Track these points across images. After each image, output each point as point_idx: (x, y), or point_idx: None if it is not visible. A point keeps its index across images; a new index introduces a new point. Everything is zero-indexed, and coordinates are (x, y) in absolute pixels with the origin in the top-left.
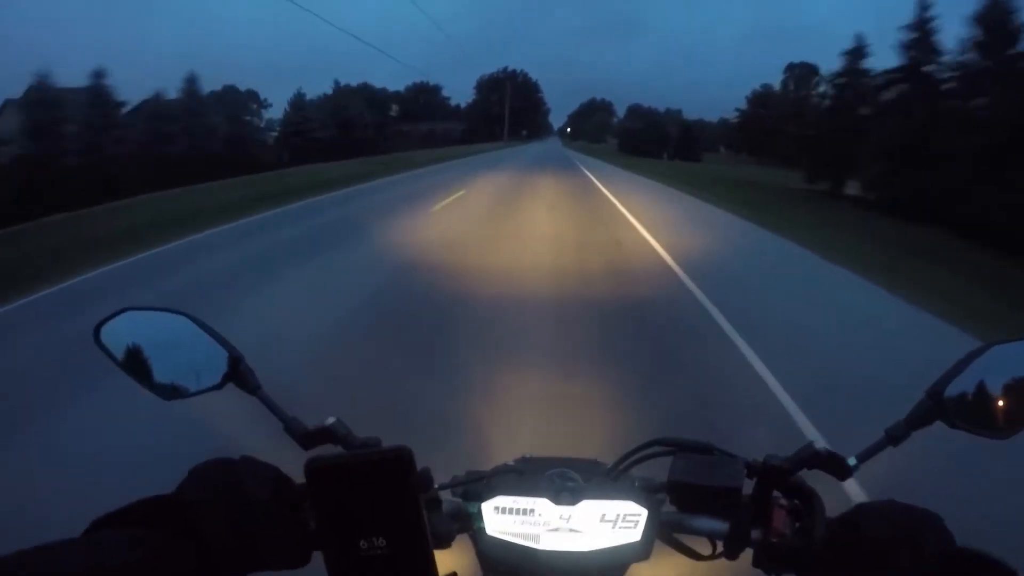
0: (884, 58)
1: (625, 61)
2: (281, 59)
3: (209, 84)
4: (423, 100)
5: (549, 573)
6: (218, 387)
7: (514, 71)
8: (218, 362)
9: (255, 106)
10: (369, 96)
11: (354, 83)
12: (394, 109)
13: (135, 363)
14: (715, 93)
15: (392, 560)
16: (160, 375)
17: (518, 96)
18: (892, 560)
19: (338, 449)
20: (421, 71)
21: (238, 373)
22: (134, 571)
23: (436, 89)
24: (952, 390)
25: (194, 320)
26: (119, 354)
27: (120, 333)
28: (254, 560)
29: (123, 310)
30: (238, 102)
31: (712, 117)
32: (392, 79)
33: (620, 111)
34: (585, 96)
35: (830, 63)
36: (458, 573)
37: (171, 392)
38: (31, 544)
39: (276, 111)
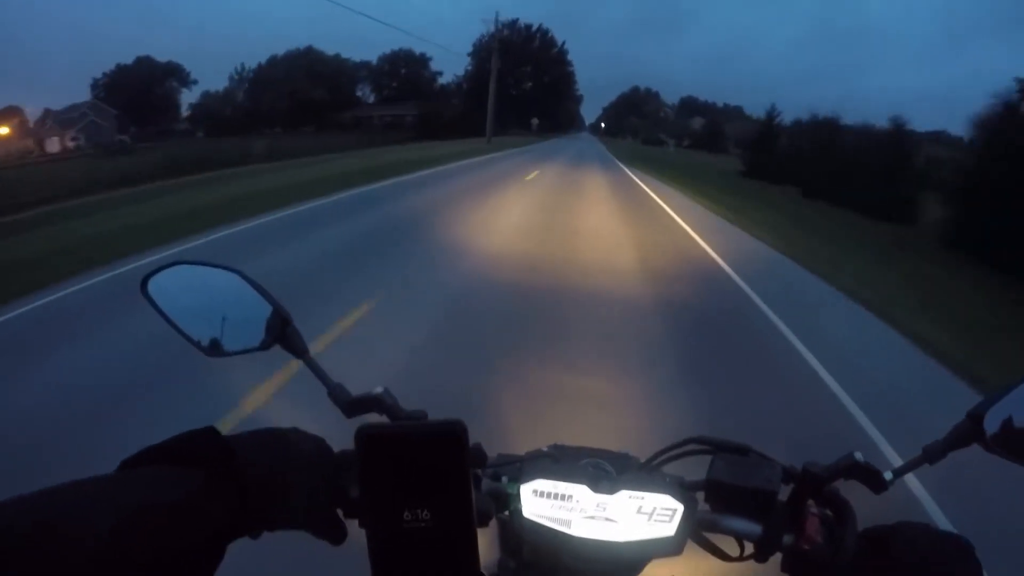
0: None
1: (667, 57)
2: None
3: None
4: (406, 73)
5: (577, 559)
6: (264, 347)
7: (526, 25)
8: (266, 322)
9: (174, 83)
10: (313, 65)
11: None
12: (363, 90)
13: (182, 317)
14: (770, 92)
15: (436, 534)
16: (206, 331)
17: (536, 68)
18: None
19: (383, 419)
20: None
21: (285, 335)
22: (171, 510)
23: (422, 61)
24: (993, 414)
25: (245, 278)
26: (166, 307)
27: (169, 286)
28: (289, 517)
29: (175, 263)
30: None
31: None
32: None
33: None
34: (622, 88)
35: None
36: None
37: (215, 349)
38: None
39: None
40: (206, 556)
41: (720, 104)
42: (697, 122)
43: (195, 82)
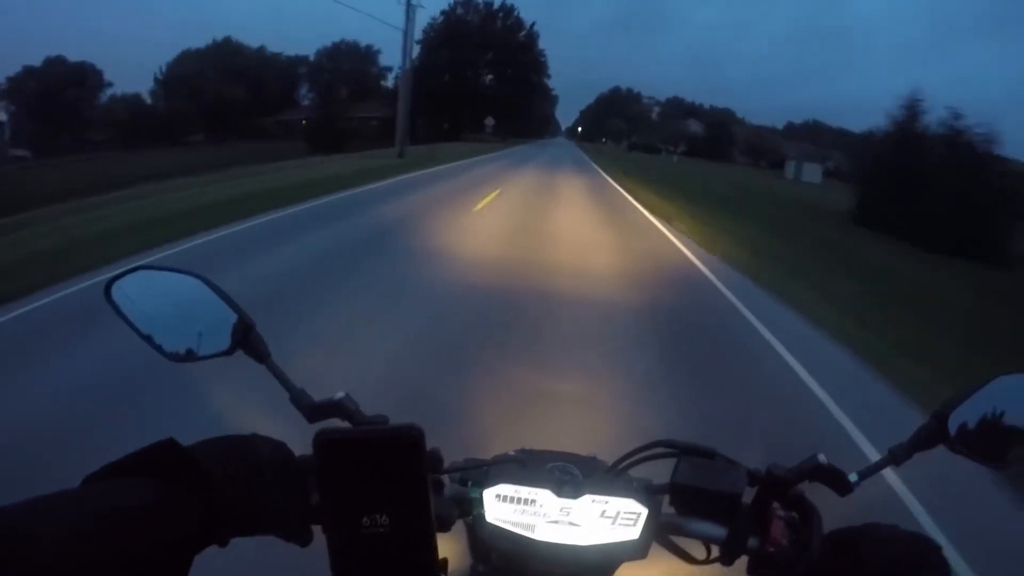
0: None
1: (645, 60)
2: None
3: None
4: (348, 70)
5: (544, 564)
6: (227, 353)
7: (486, 2)
8: (229, 327)
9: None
10: (231, 59)
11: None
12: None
13: (145, 323)
14: (757, 95)
15: (394, 539)
16: (170, 337)
17: (499, 56)
18: None
19: (345, 424)
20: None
21: (248, 340)
22: (134, 519)
23: (368, 54)
24: (958, 415)
25: (208, 283)
26: (129, 312)
27: (132, 291)
28: (253, 522)
29: (136, 268)
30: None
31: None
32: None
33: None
34: (599, 90)
35: (874, 65)
36: (449, 559)
37: (179, 355)
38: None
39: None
40: (170, 567)
41: (707, 106)
42: (693, 125)
43: (109, 85)
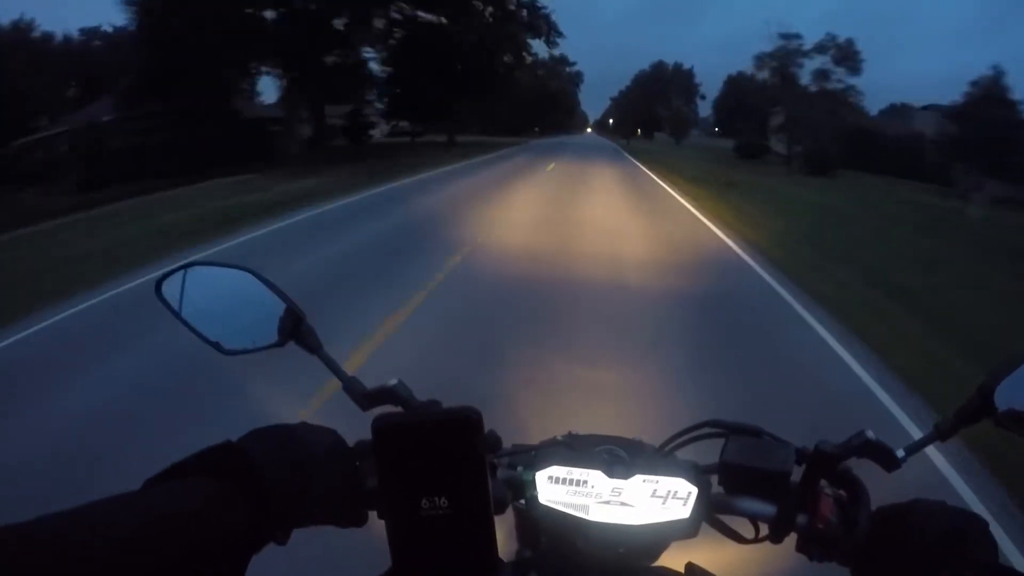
0: None
1: (682, 47)
2: None
3: None
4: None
5: (595, 545)
6: (279, 345)
7: None
8: (280, 320)
9: None
10: None
11: None
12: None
13: (196, 318)
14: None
15: (453, 521)
16: (221, 331)
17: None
18: (935, 562)
19: (398, 410)
20: None
21: (300, 332)
22: (190, 519)
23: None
24: (1004, 389)
25: (258, 277)
26: (180, 308)
27: (182, 288)
28: (311, 515)
29: (187, 264)
30: None
31: None
32: None
33: (715, 81)
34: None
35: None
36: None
37: (231, 349)
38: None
39: None
40: (227, 567)
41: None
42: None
43: None
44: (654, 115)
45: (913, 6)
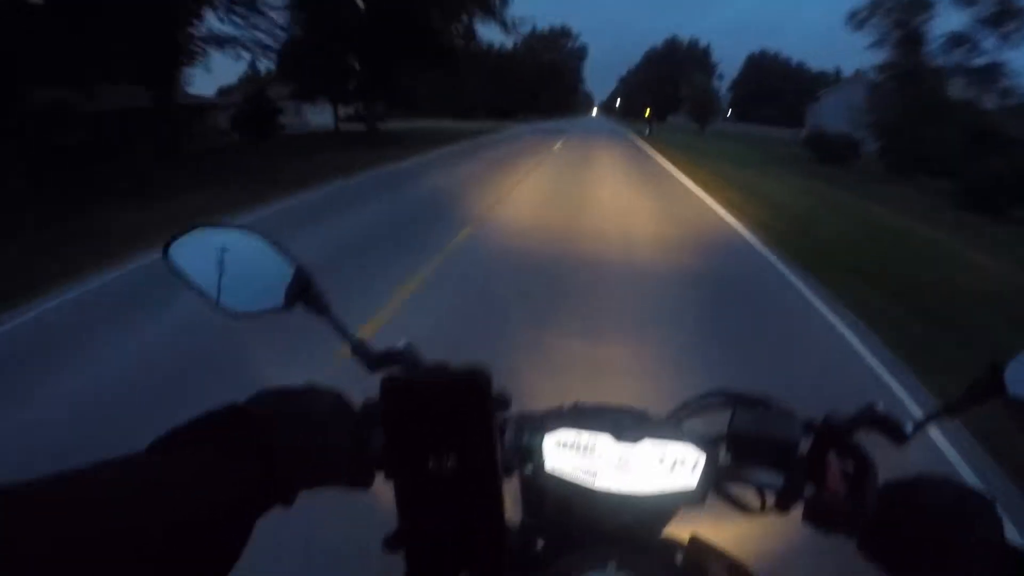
0: None
1: (694, 30)
2: None
3: None
4: None
5: (602, 513)
6: (287, 307)
7: None
8: (288, 281)
9: None
10: None
11: None
12: None
13: (204, 280)
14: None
15: (461, 481)
16: (229, 293)
17: None
18: (941, 537)
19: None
20: None
21: (308, 293)
22: (196, 482)
23: None
24: (1015, 368)
25: (265, 239)
26: (188, 271)
27: (190, 250)
28: (318, 476)
29: (194, 227)
30: None
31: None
32: None
33: (732, 62)
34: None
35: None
36: None
37: (238, 311)
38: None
39: None
40: (233, 530)
41: (793, 61)
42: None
43: None
44: (668, 95)
45: None
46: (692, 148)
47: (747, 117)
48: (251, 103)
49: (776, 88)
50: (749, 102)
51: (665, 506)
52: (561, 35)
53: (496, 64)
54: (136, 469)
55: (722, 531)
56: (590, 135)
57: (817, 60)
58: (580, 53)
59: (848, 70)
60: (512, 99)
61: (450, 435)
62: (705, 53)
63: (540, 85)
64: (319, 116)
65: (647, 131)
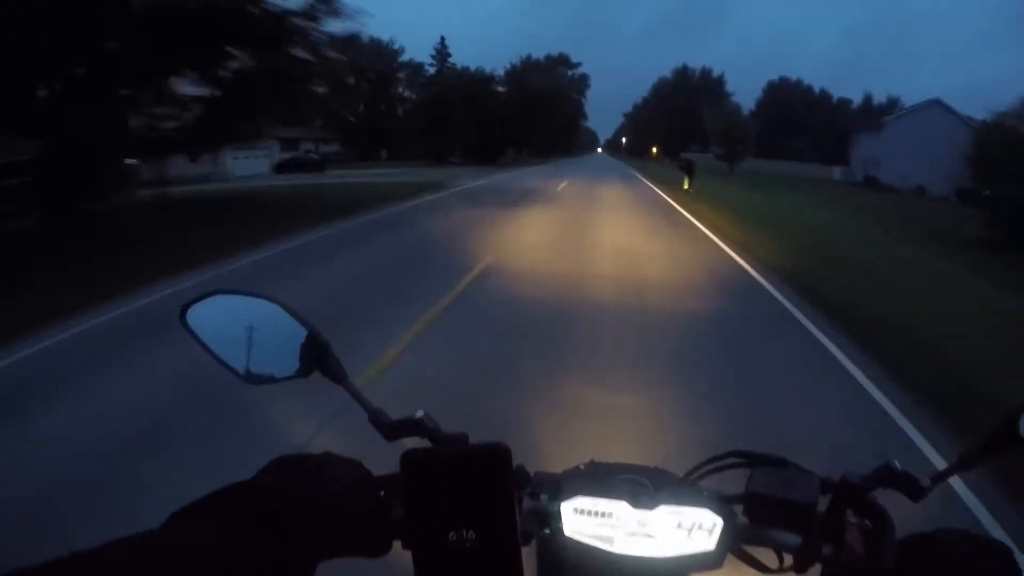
0: None
1: (697, 62)
2: None
3: None
4: None
5: (620, 575)
6: (304, 375)
7: None
8: (305, 350)
9: None
10: None
11: None
12: None
13: (221, 347)
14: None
15: (481, 554)
16: (245, 359)
17: None
18: None
19: (424, 442)
20: None
21: (325, 362)
22: (216, 559)
23: None
24: None
25: (284, 307)
26: (205, 336)
27: (208, 316)
28: (336, 547)
29: (212, 293)
30: None
31: None
32: None
33: (742, 96)
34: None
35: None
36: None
37: (256, 377)
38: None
39: None
40: None
41: (816, 88)
42: None
43: None
44: (682, 130)
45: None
46: (753, 211)
47: (773, 153)
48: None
49: (800, 118)
50: (774, 135)
51: (683, 569)
52: (559, 63)
53: (468, 93)
54: (154, 547)
55: None
56: (594, 198)
57: (838, 88)
58: (581, 84)
59: (879, 96)
60: (499, 137)
61: (471, 509)
62: (719, 82)
63: (530, 118)
64: (242, 165)
65: (686, 182)
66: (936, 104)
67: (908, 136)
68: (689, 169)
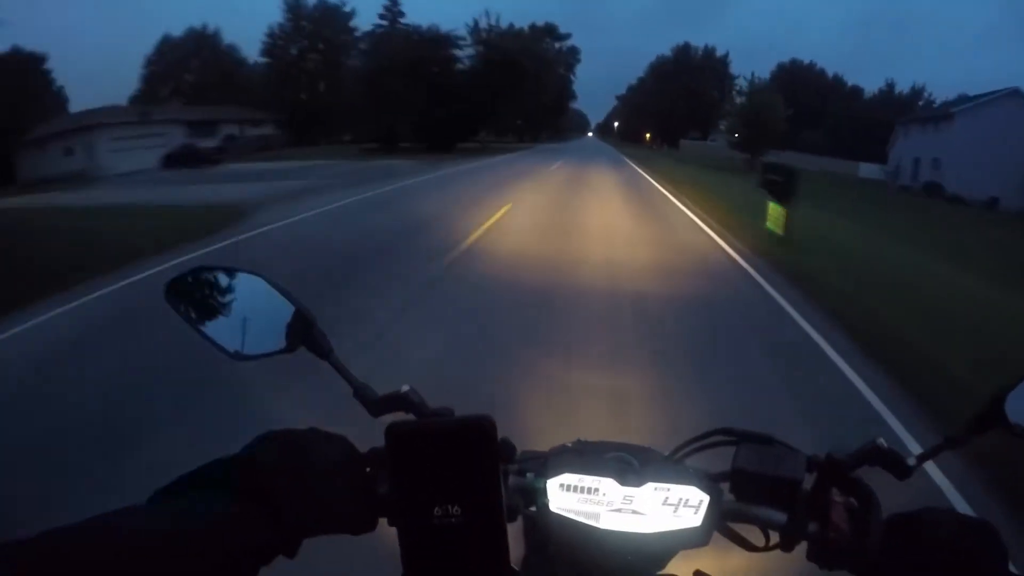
0: None
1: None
2: None
3: None
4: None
5: (605, 552)
6: (289, 350)
7: None
8: (291, 324)
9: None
10: None
11: None
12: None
13: (205, 322)
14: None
15: (466, 529)
16: (230, 335)
17: None
18: (946, 570)
19: (409, 417)
20: None
21: (310, 336)
22: (201, 535)
23: None
24: (1015, 397)
25: (268, 281)
26: (190, 312)
27: (192, 291)
28: (322, 523)
29: (197, 268)
30: None
31: None
32: None
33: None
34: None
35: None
36: None
37: (240, 353)
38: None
39: None
40: None
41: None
42: None
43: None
44: (683, 114)
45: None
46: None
47: (790, 144)
48: None
49: (815, 106)
50: (790, 124)
51: (669, 545)
52: (545, 33)
53: (415, 57)
54: (142, 522)
55: (725, 568)
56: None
57: (851, 75)
58: (570, 57)
59: (903, 85)
60: (461, 116)
61: (456, 482)
62: (723, 63)
63: (508, 92)
64: (126, 158)
65: (773, 215)
66: (1015, 94)
67: (979, 133)
68: (785, 188)
